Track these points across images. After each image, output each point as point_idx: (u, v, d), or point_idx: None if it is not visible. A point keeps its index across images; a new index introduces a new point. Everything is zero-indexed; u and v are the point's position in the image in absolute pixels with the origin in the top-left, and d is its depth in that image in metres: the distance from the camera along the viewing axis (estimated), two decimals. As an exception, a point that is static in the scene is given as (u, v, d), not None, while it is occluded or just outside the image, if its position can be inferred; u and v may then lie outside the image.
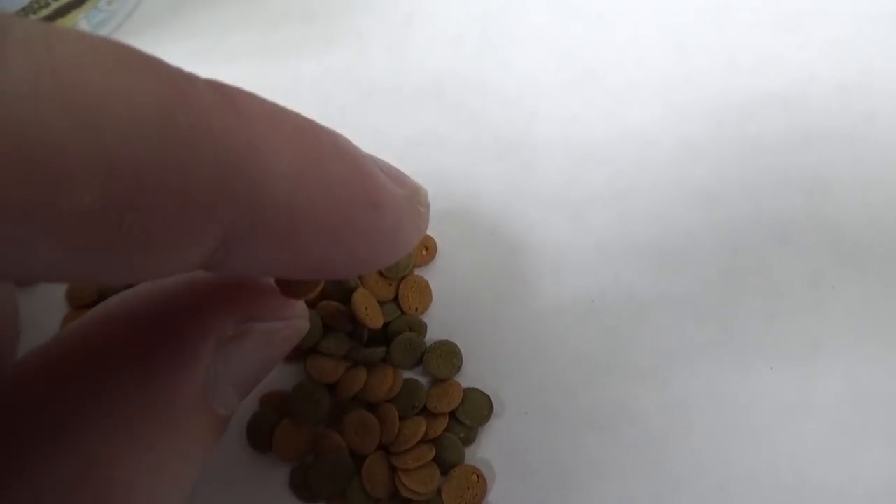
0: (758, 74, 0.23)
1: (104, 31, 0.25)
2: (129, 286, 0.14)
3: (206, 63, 0.25)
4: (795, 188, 0.21)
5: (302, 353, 0.20)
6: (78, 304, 0.21)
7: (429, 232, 0.22)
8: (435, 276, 0.21)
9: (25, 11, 0.22)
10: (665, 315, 0.20)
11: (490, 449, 0.19)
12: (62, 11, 0.23)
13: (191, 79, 0.10)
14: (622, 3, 0.25)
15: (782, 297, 0.20)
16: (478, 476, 0.19)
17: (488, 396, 0.20)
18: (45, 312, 0.21)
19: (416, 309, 0.21)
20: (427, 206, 0.15)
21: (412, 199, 0.14)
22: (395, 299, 0.21)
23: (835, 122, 0.22)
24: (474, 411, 0.19)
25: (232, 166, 0.10)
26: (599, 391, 0.20)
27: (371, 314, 0.20)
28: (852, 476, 0.18)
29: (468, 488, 0.19)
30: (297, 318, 0.15)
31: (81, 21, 0.24)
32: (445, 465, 0.19)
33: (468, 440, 0.19)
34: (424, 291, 0.21)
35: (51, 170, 0.08)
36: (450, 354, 0.20)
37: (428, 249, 0.21)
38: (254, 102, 0.11)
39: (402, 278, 0.21)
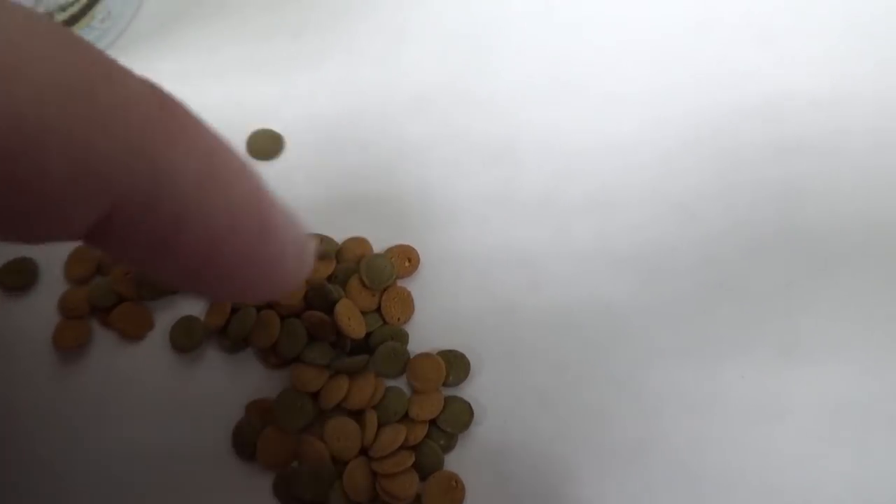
0: (735, 89, 0.23)
1: (98, 48, 0.25)
2: None
3: (196, 79, 0.25)
4: (770, 200, 0.22)
5: (286, 361, 0.20)
6: (70, 314, 0.21)
7: (412, 243, 0.22)
8: (417, 286, 0.22)
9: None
10: (641, 324, 0.21)
11: (468, 456, 0.20)
12: (56, 29, 0.24)
13: (124, 69, 0.11)
14: (604, 20, 0.25)
15: (755, 306, 0.21)
16: (456, 481, 0.19)
17: (469, 404, 0.20)
18: (36, 322, 0.21)
19: (399, 319, 0.21)
20: (311, 257, 0.15)
21: (301, 241, 0.14)
22: (378, 310, 0.21)
23: (809, 136, 0.23)
24: (455, 419, 0.20)
25: (135, 152, 0.11)
26: (576, 399, 0.20)
27: (354, 324, 0.20)
28: (821, 482, 0.19)
29: (447, 493, 0.19)
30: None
31: (75, 38, 0.24)
32: (425, 470, 0.19)
33: (448, 447, 0.20)
34: (407, 302, 0.21)
35: None
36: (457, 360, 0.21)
37: (410, 261, 0.22)
38: (182, 109, 0.12)
39: (385, 289, 0.21)
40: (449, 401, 0.20)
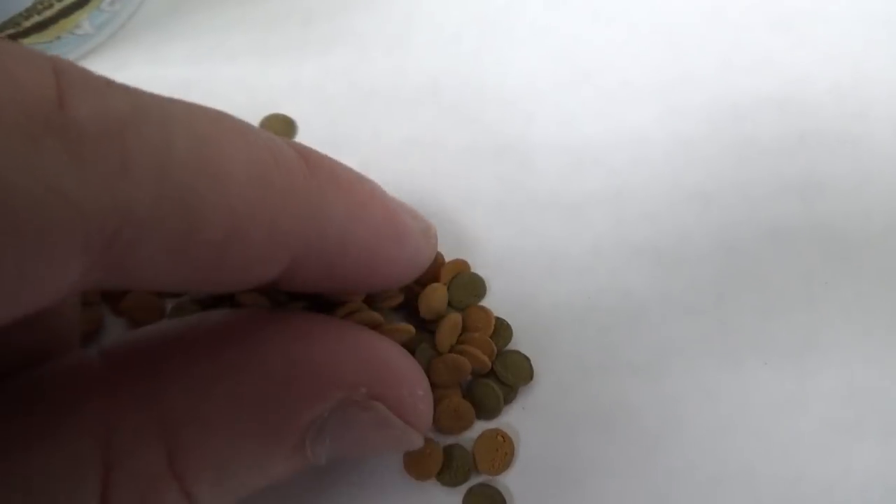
0: (752, 75, 0.23)
1: (107, 32, 0.25)
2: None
3: (206, 63, 0.25)
4: (789, 188, 0.22)
5: None
6: (82, 300, 0.21)
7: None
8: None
9: (29, 12, 0.22)
10: (660, 313, 0.21)
11: (487, 444, 0.20)
12: (65, 12, 0.23)
13: (279, 142, 0.14)
14: (617, 5, 0.25)
15: (776, 294, 0.21)
16: (502, 437, 0.19)
17: (528, 358, 0.20)
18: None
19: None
20: (435, 238, 0.19)
21: (425, 232, 0.18)
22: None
23: (828, 122, 0.22)
24: (515, 368, 0.20)
25: (305, 212, 0.14)
26: (595, 388, 0.20)
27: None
28: (846, 471, 0.19)
29: (496, 449, 0.19)
30: (413, 432, 0.16)
31: (84, 22, 0.24)
32: (483, 410, 0.19)
33: (507, 399, 0.20)
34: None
35: (194, 215, 0.12)
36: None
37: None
38: (320, 160, 0.15)
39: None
40: (506, 353, 0.20)
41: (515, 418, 0.20)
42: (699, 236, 0.21)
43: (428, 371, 0.19)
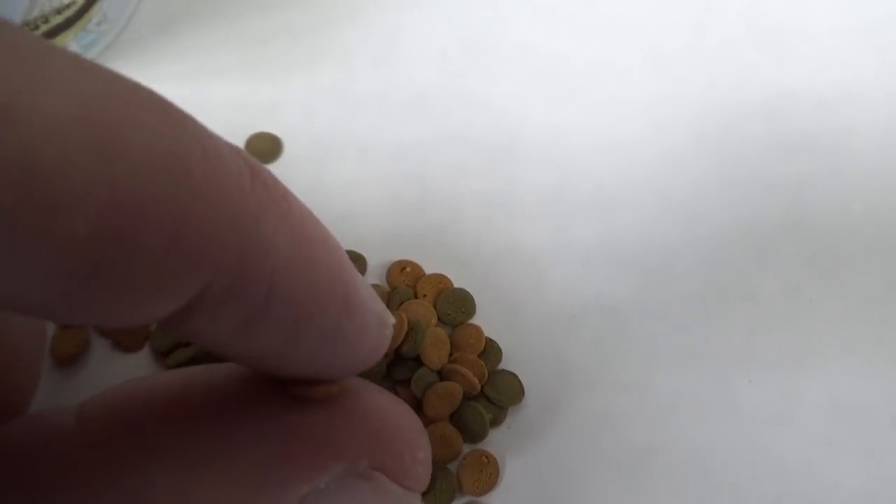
0: (737, 90, 0.23)
1: (93, 52, 0.25)
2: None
3: (193, 82, 0.25)
4: (775, 202, 0.22)
5: None
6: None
7: (412, 245, 0.22)
8: (418, 291, 0.21)
9: (15, 33, 0.22)
10: (647, 328, 0.21)
11: (472, 463, 0.19)
12: (52, 33, 0.23)
13: (216, 138, 0.10)
14: (604, 20, 0.25)
15: (762, 310, 0.21)
16: (487, 457, 0.19)
17: (518, 378, 0.20)
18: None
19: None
20: (391, 332, 0.15)
21: (381, 316, 0.14)
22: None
23: (814, 136, 0.22)
24: (505, 390, 0.20)
25: (232, 226, 0.10)
26: (581, 406, 0.20)
27: None
28: (831, 488, 0.19)
29: (481, 470, 0.19)
30: (411, 496, 0.15)
31: (71, 42, 0.24)
32: (470, 434, 0.19)
33: (496, 421, 0.20)
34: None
35: (53, 189, 0.08)
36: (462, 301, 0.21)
37: (404, 270, 0.21)
38: (271, 179, 0.11)
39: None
40: (497, 373, 0.20)
41: (500, 438, 0.20)
42: (685, 252, 0.21)
43: (422, 402, 0.19)
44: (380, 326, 0.14)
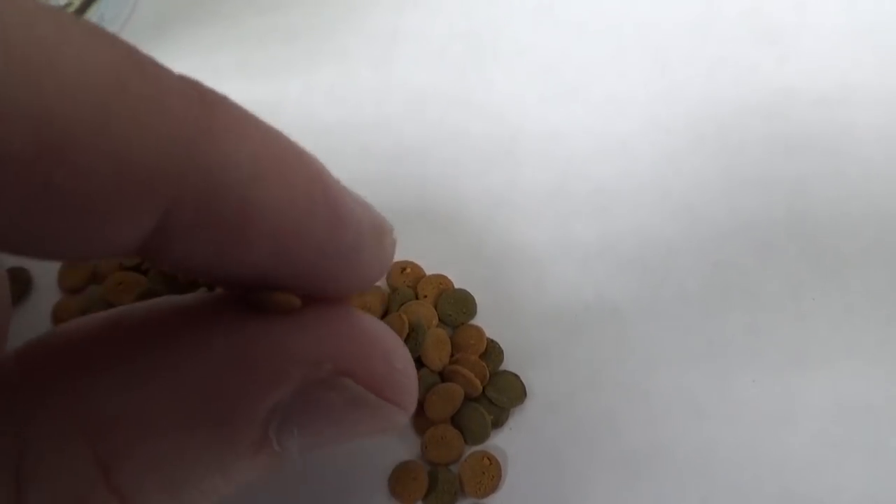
0: (738, 88, 0.23)
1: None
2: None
3: (191, 83, 0.25)
4: (776, 201, 0.22)
5: None
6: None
7: (411, 246, 0.22)
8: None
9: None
10: (648, 328, 0.20)
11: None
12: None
13: (153, 60, 0.10)
14: (603, 19, 0.25)
15: (764, 309, 0.20)
16: (489, 459, 0.19)
17: (520, 378, 0.20)
18: (29, 333, 0.21)
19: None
20: (393, 244, 0.14)
21: (379, 227, 0.13)
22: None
23: (815, 135, 0.22)
24: (507, 390, 0.20)
25: (182, 144, 0.10)
26: (583, 408, 0.20)
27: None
28: (836, 488, 0.18)
29: (483, 472, 0.19)
30: (394, 409, 0.13)
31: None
32: (471, 436, 0.19)
33: (497, 422, 0.20)
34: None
35: None
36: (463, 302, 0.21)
37: (405, 271, 0.21)
38: (226, 102, 0.11)
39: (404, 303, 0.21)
40: (498, 374, 0.20)
41: (502, 439, 0.20)
42: (686, 252, 0.21)
43: (423, 403, 0.19)
44: (378, 235, 0.13)
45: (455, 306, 0.21)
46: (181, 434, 0.11)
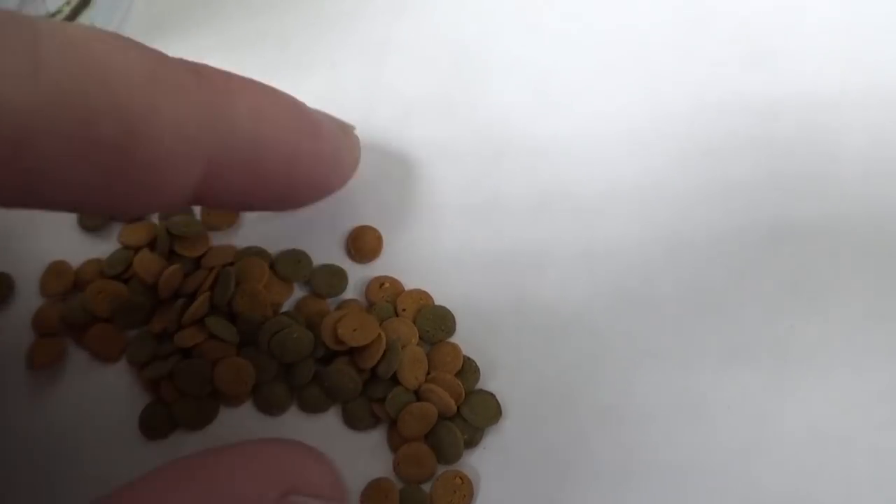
0: (724, 111, 0.23)
1: (81, 58, 0.25)
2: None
3: (180, 90, 0.25)
4: (758, 227, 0.21)
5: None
6: (43, 331, 0.21)
7: (397, 255, 0.22)
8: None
9: None
10: (623, 355, 0.20)
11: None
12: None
13: (165, 55, 0.15)
14: (592, 36, 0.25)
15: (742, 336, 0.20)
16: (461, 478, 0.19)
17: (496, 398, 0.20)
18: (10, 339, 0.21)
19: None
20: (356, 138, 0.20)
21: (345, 129, 0.19)
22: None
23: (800, 159, 0.22)
24: (482, 410, 0.20)
25: (204, 114, 0.14)
26: (557, 429, 0.20)
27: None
28: (806, 518, 0.18)
29: (454, 491, 0.19)
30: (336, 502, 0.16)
31: (58, 48, 0.24)
32: (443, 456, 0.19)
33: (471, 442, 0.19)
34: None
35: (85, 111, 0.13)
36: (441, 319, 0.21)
37: (383, 286, 0.21)
38: (210, 69, 0.16)
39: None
40: (474, 393, 0.20)
41: (475, 458, 0.20)
42: (666, 274, 0.21)
43: (397, 422, 0.19)
44: (345, 135, 0.19)
45: (433, 322, 0.21)
46: None
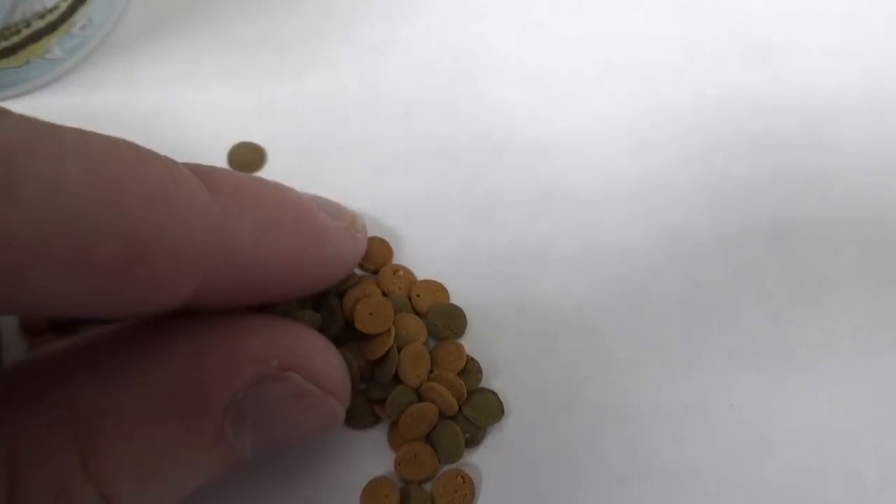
0: (725, 109, 0.23)
1: (78, 56, 0.25)
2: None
3: (179, 88, 0.25)
4: (759, 223, 0.21)
5: None
6: (30, 331, 0.20)
7: (397, 256, 0.22)
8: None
9: (-3, 36, 0.22)
10: (626, 352, 0.20)
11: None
12: (35, 37, 0.23)
13: (178, 165, 0.14)
14: (592, 37, 0.25)
15: (744, 334, 0.20)
16: (462, 477, 0.19)
17: (498, 396, 0.20)
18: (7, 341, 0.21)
19: None
20: (364, 230, 0.19)
21: (349, 229, 0.18)
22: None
23: (800, 157, 0.22)
24: (485, 409, 0.19)
25: (209, 231, 0.14)
26: (560, 428, 0.20)
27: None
28: (811, 517, 0.18)
29: (456, 490, 0.19)
30: (333, 401, 0.16)
31: (55, 46, 0.24)
32: (443, 454, 0.19)
33: (473, 441, 0.19)
34: None
35: (88, 238, 0.12)
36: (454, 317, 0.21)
37: (397, 273, 0.21)
38: (221, 176, 0.15)
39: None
40: (476, 392, 0.20)
41: (477, 457, 0.19)
42: (667, 272, 0.21)
43: (398, 424, 0.19)
44: (350, 236, 0.18)
45: (444, 319, 0.20)
46: (151, 428, 0.13)
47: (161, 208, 0.13)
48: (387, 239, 0.22)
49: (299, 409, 0.15)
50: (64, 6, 0.23)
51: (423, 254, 0.22)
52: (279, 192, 0.16)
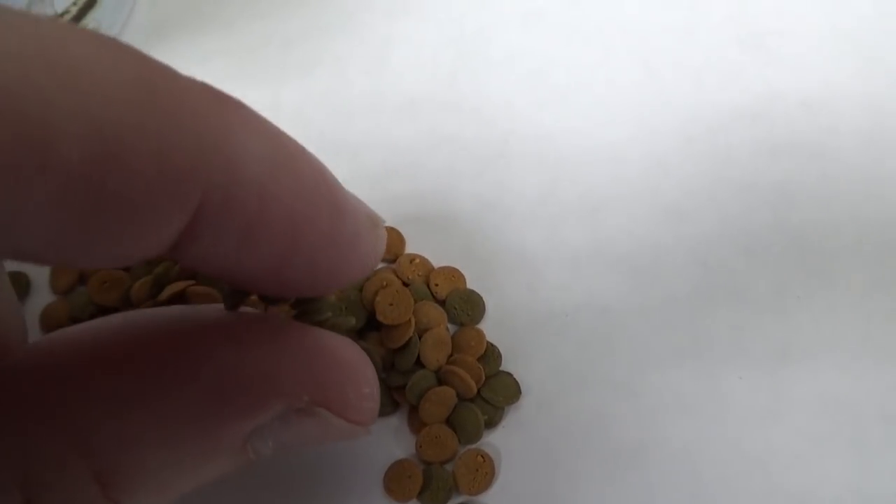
0: (724, 91, 0.24)
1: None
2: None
3: (187, 89, 0.25)
4: (762, 202, 0.22)
5: None
6: (49, 327, 0.21)
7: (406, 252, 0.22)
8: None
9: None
10: (637, 327, 0.21)
11: (468, 463, 0.20)
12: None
13: (168, 67, 0.11)
14: (592, 25, 0.25)
15: (750, 307, 0.21)
16: (483, 457, 0.19)
17: (515, 378, 0.20)
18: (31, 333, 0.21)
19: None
20: (384, 233, 0.15)
21: (373, 217, 0.14)
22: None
23: (799, 137, 0.23)
24: (503, 390, 0.20)
25: (208, 139, 0.11)
26: (574, 405, 0.20)
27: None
28: (820, 481, 0.19)
29: (477, 469, 0.19)
30: (357, 429, 0.15)
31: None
32: (464, 435, 0.19)
33: (492, 422, 0.20)
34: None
35: (39, 124, 0.09)
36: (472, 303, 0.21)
37: (413, 261, 0.22)
38: (235, 100, 0.12)
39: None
40: (494, 374, 0.20)
41: (496, 437, 0.20)
42: (674, 252, 0.22)
43: (418, 409, 0.19)
44: (373, 227, 0.14)
45: (463, 305, 0.21)
46: (170, 452, 0.13)
47: (137, 99, 0.10)
48: (396, 229, 0.23)
49: (323, 434, 0.15)
50: (74, 10, 0.23)
51: (432, 244, 0.22)
52: (298, 142, 0.13)
